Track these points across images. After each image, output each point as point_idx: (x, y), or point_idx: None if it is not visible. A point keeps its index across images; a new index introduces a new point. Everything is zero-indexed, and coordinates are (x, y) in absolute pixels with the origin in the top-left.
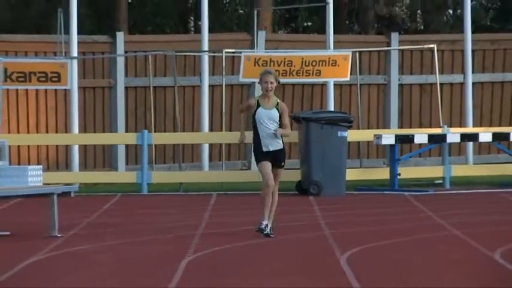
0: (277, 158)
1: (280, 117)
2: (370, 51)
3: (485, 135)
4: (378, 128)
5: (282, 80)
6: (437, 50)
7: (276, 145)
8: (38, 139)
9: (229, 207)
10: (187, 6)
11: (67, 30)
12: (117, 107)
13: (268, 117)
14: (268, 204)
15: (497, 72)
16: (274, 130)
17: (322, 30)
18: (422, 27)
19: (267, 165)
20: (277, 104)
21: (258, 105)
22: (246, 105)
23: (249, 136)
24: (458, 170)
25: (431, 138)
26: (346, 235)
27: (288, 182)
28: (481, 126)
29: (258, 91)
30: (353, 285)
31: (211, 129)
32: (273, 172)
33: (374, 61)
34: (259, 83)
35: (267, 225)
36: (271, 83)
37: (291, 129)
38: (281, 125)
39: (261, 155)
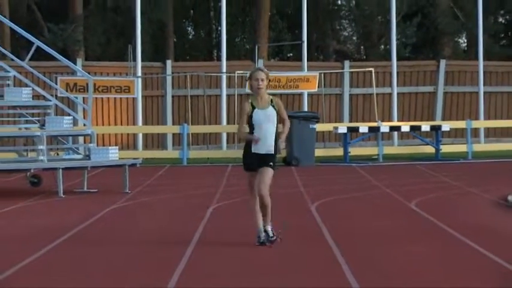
0: (264, 160)
1: (277, 113)
2: (330, 73)
3: (405, 127)
4: (335, 122)
5: (274, 91)
6: (374, 72)
7: (267, 150)
8: (115, 129)
9: (240, 174)
10: (212, 44)
11: (134, 59)
12: (167, 108)
13: (266, 118)
14: (257, 215)
15: (413, 86)
16: (280, 141)
17: (299, 58)
18: (364, 57)
19: (251, 178)
20: (272, 100)
21: (253, 108)
22: (244, 113)
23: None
24: (388, 150)
25: (371, 129)
26: (315, 192)
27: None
28: (402, 121)
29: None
30: (319, 224)
31: (228, 123)
32: (260, 172)
33: (333, 79)
34: (248, 80)
35: (264, 235)
36: (262, 80)
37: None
38: (280, 120)
39: (248, 163)
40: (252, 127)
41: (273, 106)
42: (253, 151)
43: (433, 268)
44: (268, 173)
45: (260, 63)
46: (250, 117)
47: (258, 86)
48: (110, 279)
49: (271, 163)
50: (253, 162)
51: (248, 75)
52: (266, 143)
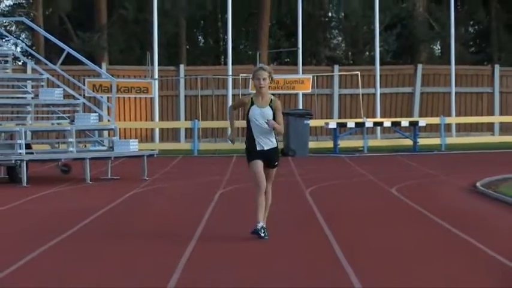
0: (270, 158)
1: (274, 114)
2: (322, 76)
3: (387, 123)
4: (326, 118)
5: (273, 92)
6: (360, 75)
7: (270, 144)
8: (136, 124)
9: (243, 164)
10: (219, 50)
11: (152, 63)
12: (180, 107)
13: (262, 116)
14: (262, 205)
15: (393, 87)
16: (267, 120)
17: (295, 63)
18: (351, 62)
19: (259, 165)
20: (271, 101)
21: (252, 104)
22: (239, 101)
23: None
24: (372, 142)
25: (357, 124)
26: (309, 179)
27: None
28: (384, 117)
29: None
30: (313, 207)
31: None
32: (266, 172)
33: (324, 81)
34: (252, 79)
35: (262, 227)
36: (264, 79)
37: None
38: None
39: (254, 154)
40: (248, 123)
41: (271, 106)
42: (258, 149)
43: (413, 245)
44: (273, 174)
45: None
46: (247, 112)
47: (260, 85)
48: (110, 278)
49: (276, 163)
50: (259, 157)
51: (252, 73)
52: (266, 139)
